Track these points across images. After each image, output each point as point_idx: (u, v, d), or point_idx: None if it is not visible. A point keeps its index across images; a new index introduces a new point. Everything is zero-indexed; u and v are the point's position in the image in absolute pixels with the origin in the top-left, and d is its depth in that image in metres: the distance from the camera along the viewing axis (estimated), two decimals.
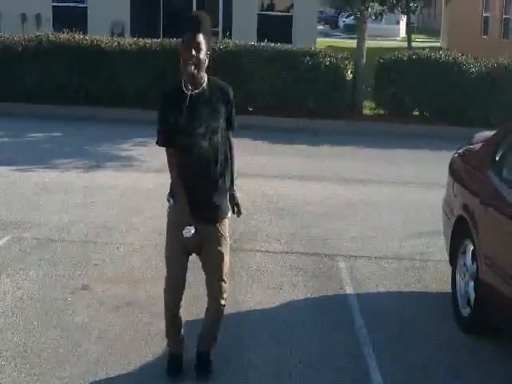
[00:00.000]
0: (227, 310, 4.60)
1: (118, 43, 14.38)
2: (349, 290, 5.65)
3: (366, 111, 14.98)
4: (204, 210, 3.98)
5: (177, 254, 4.04)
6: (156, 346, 4.61)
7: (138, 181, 8.91)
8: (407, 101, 13.99)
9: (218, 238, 4.05)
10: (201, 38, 3.80)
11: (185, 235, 3.89)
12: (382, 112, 14.64)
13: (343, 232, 7.18)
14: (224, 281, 4.10)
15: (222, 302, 4.14)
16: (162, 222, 7.03)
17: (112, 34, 19.10)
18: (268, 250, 6.55)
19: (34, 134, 12.13)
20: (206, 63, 3.87)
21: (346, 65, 13.97)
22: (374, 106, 15.02)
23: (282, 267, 6.12)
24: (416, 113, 14.38)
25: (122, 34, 19.07)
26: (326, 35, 40.10)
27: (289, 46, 14.87)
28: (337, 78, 13.83)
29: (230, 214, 4.16)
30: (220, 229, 4.06)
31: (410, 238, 7.08)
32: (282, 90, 13.76)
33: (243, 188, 8.69)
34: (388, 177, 9.81)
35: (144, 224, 7.12)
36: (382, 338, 4.85)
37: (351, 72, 14.16)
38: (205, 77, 3.94)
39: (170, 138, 3.91)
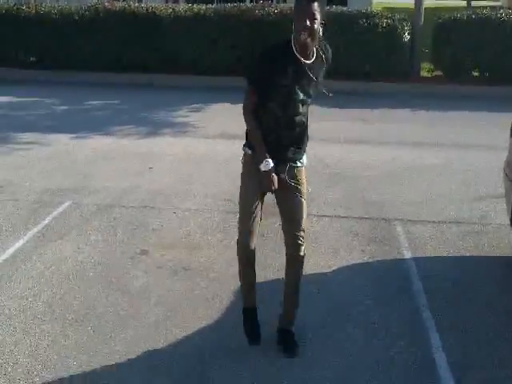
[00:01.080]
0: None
1: (173, 10, 14.39)
2: (407, 255, 5.58)
3: (424, 73, 14.69)
4: (282, 158, 3.95)
5: (252, 202, 3.95)
6: (214, 310, 4.65)
7: (193, 147, 8.94)
8: (466, 62, 13.66)
9: (295, 185, 4.01)
10: (315, 6, 3.66)
11: (263, 169, 3.83)
12: (439, 74, 14.32)
13: (401, 196, 7.09)
14: (303, 230, 4.04)
15: (302, 250, 4.05)
16: (217, 188, 7.13)
17: (166, 1, 19.14)
18: (325, 214, 6.51)
19: (91, 102, 12.31)
20: (320, 33, 3.75)
21: (403, 26, 13.68)
22: (431, 67, 14.71)
23: (339, 231, 6.09)
24: (475, 74, 14.02)
25: (176, 1, 19.07)
26: None
27: (344, 8, 14.61)
28: (394, 39, 13.58)
29: (305, 162, 4.13)
30: (298, 176, 4.03)
31: (470, 201, 6.95)
32: (338, 53, 13.56)
33: None
34: (446, 140, 9.62)
35: (200, 189, 7.16)
36: (441, 303, 4.78)
37: (408, 33, 13.86)
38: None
39: (261, 92, 3.84)
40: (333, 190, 7.31)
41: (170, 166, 8.03)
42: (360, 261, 5.49)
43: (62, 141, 9.26)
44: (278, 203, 4.10)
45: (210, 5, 15.08)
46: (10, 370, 3.88)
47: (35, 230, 5.99)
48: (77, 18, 14.37)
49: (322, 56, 3.89)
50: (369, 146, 9.27)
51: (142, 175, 7.67)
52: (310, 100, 3.95)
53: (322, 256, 5.55)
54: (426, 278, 5.15)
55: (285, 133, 3.93)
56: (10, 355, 4.03)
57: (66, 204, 6.65)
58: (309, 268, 5.30)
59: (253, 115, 3.89)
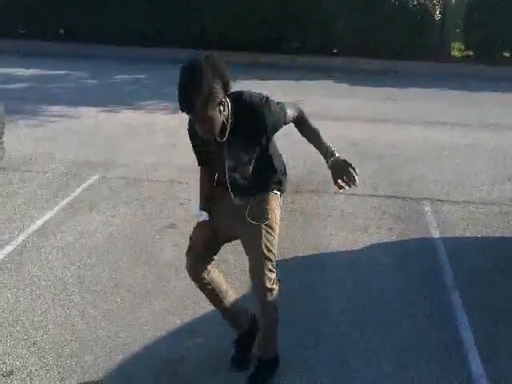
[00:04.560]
0: (309, 253, 4.58)
1: None
2: (435, 234, 5.54)
3: (455, 52, 14.51)
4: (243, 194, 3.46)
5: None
6: (241, 283, 4.65)
7: None
8: (497, 42, 13.45)
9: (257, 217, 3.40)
10: (206, 113, 2.98)
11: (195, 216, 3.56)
12: (470, 53, 14.13)
13: (429, 176, 7.03)
14: (265, 257, 3.37)
15: (267, 283, 3.36)
16: None
17: None
18: (353, 192, 6.47)
19: (118, 76, 12.32)
20: (222, 118, 3.10)
21: (434, 4, 13.49)
22: (462, 47, 14.52)
23: (367, 210, 6.06)
24: (506, 54, 13.81)
25: None
26: None
27: None
28: (424, 18, 13.42)
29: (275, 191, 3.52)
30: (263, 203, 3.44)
31: (499, 182, 6.87)
32: (367, 32, 13.44)
33: (327, 132, 8.63)
34: (476, 119, 9.51)
35: None
36: (469, 283, 4.75)
37: (439, 12, 13.68)
38: (226, 119, 3.15)
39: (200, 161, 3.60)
40: (361, 168, 7.21)
41: None
42: (388, 239, 5.46)
43: (90, 114, 9.30)
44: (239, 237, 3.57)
45: None
46: (39, 339, 3.92)
47: (64, 202, 6.04)
48: None
49: (247, 125, 3.18)
50: (397, 125, 9.20)
51: (169, 150, 7.68)
52: (250, 165, 3.35)
53: (349, 234, 5.53)
54: (453, 258, 5.11)
55: (234, 186, 3.42)
56: (39, 324, 4.08)
57: (95, 177, 6.69)
58: (336, 245, 5.31)
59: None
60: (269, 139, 3.39)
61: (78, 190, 6.34)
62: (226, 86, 3.04)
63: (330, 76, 12.64)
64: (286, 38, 14.18)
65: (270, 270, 3.38)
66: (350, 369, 3.73)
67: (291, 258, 5.02)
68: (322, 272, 4.91)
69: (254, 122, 3.19)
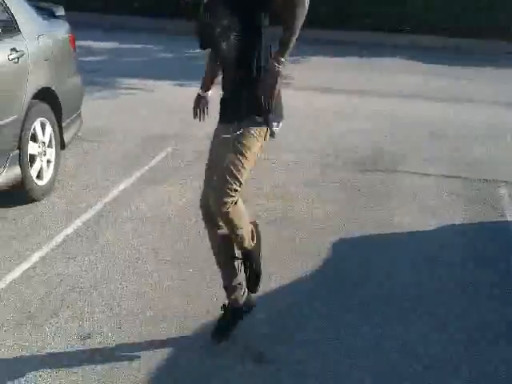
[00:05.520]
0: (378, 232, 4.54)
1: None
2: (510, 218, 5.44)
3: None
4: (228, 109, 3.48)
5: None
6: (309, 261, 4.68)
7: (292, 100, 8.91)
8: None
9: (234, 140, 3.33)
10: None
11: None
12: None
13: (504, 157, 6.90)
14: (228, 177, 3.26)
15: (226, 203, 3.27)
16: (320, 144, 7.10)
17: None
18: (423, 172, 6.42)
19: (190, 51, 12.40)
20: None
21: None
22: None
23: (438, 191, 5.99)
24: None
25: None
26: None
27: None
28: None
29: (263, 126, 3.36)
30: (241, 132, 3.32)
31: None
32: (439, 9, 13.16)
33: (398, 111, 8.56)
34: None
35: (300, 142, 7.19)
36: None
37: None
38: None
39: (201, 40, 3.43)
40: (431, 147, 7.18)
41: None
42: (461, 221, 5.39)
43: (164, 88, 9.45)
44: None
45: None
46: (115, 305, 4.06)
47: (138, 173, 6.17)
48: None
49: None
50: (469, 105, 9.05)
51: None
52: (232, 33, 3.24)
53: (420, 215, 5.49)
54: None
55: (229, 81, 3.40)
56: (115, 292, 4.21)
57: (168, 150, 6.81)
58: (407, 226, 5.27)
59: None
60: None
61: (152, 162, 6.46)
62: None
63: (400, 52, 12.47)
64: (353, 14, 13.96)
65: (229, 190, 3.26)
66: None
67: (358, 237, 5.03)
68: (391, 250, 4.89)
69: None
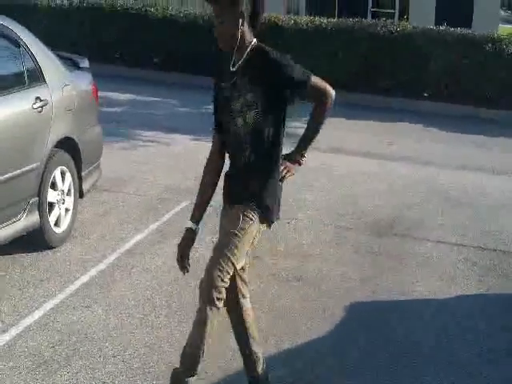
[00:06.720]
0: (392, 298, 4.51)
1: (295, 21, 14.52)
2: None
3: None
4: (233, 191, 3.47)
5: None
6: (323, 322, 4.65)
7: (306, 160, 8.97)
8: None
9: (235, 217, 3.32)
10: (228, 8, 3.07)
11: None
12: None
13: None
14: (225, 256, 3.22)
15: (216, 279, 3.18)
16: (336, 204, 7.10)
17: (288, 12, 19.29)
18: (439, 240, 6.40)
19: (209, 106, 12.55)
20: (243, 21, 3.13)
21: None
22: None
23: (455, 259, 5.96)
24: None
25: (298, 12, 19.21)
26: (508, 22, 37.85)
27: (469, 31, 14.28)
28: None
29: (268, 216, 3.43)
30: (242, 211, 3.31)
31: None
32: (460, 77, 13.32)
33: (413, 175, 8.59)
34: None
35: (315, 200, 7.22)
36: None
37: None
38: (248, 40, 3.20)
39: (215, 117, 3.44)
40: (448, 215, 7.17)
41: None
42: (477, 291, 5.35)
43: (181, 141, 9.53)
44: None
45: (332, 18, 15.04)
46: (127, 357, 4.02)
47: (155, 225, 6.20)
48: (201, 22, 14.68)
49: (262, 56, 3.19)
50: (487, 174, 9.06)
51: None
52: (252, 111, 3.20)
53: (436, 282, 5.45)
54: None
55: (236, 160, 3.44)
56: (128, 343, 4.18)
57: (184, 203, 6.83)
58: (421, 294, 5.23)
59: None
60: (286, 100, 3.26)
61: (168, 215, 6.49)
62: (254, 11, 3.14)
63: (418, 119, 12.56)
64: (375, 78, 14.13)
65: (221, 272, 3.19)
66: None
67: (371, 302, 5.00)
68: (405, 319, 4.85)
69: (274, 71, 3.16)
